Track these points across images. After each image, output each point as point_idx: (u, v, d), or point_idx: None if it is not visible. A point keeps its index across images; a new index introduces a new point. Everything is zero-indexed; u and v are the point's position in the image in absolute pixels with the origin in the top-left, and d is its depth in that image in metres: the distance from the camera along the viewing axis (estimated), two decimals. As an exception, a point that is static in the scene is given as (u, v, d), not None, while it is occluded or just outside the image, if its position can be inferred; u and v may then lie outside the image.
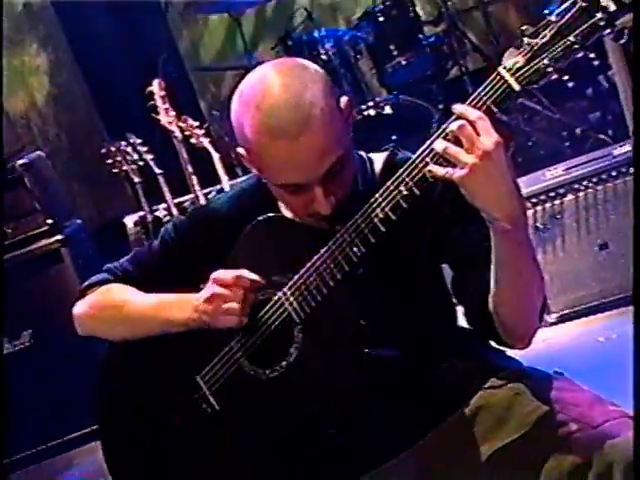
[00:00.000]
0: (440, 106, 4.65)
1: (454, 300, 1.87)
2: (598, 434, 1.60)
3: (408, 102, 4.58)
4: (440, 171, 1.50)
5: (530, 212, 3.60)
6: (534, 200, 3.61)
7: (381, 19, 4.81)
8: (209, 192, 3.99)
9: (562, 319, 3.61)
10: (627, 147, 3.68)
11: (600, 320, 3.59)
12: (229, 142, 4.59)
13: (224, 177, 4.00)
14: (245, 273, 1.73)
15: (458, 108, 1.50)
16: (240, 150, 1.75)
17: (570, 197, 3.60)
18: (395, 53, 4.81)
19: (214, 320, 1.75)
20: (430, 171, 1.53)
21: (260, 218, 1.79)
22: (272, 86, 1.63)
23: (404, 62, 4.80)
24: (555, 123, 4.47)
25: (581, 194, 3.60)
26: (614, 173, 3.58)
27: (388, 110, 4.53)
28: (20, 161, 4.12)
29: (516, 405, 1.73)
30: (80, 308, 1.96)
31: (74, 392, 4.04)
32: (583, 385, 1.77)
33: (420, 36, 4.86)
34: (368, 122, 4.52)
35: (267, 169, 1.70)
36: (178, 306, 1.83)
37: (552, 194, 3.61)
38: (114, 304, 1.93)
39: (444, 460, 1.79)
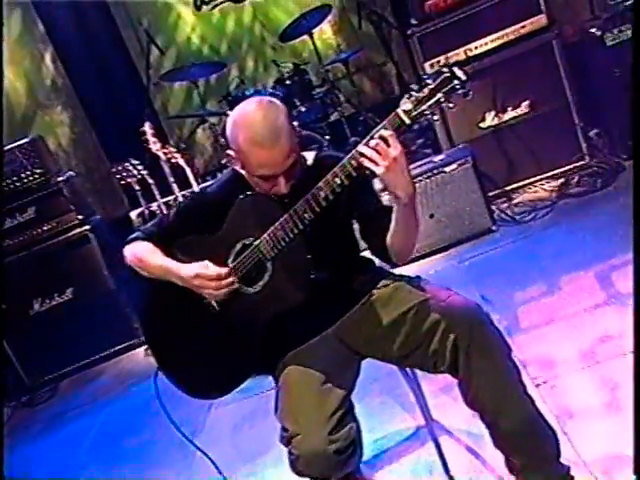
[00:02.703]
0: (327, 137, 4.74)
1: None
2: (444, 304, 1.77)
3: (307, 135, 4.66)
4: (367, 163, 1.59)
5: (386, 197, 3.79)
6: (388, 191, 3.78)
7: (288, 82, 4.91)
8: (184, 193, 3.99)
9: (410, 261, 3.81)
10: (441, 156, 3.87)
11: (430, 261, 3.80)
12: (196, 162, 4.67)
13: (194, 183, 4.04)
14: (212, 273, 1.79)
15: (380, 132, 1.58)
16: (230, 152, 1.79)
17: (409, 188, 3.82)
18: (298, 104, 4.89)
19: (194, 288, 1.83)
20: (357, 165, 1.61)
21: (247, 193, 1.81)
22: (257, 117, 1.70)
23: (303, 109, 4.88)
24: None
25: (417, 184, 3.76)
26: (436, 171, 3.76)
27: (294, 139, 4.68)
28: (60, 178, 4.09)
29: (396, 294, 1.87)
30: (127, 252, 1.97)
31: (102, 326, 4.10)
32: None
33: (312, 93, 4.97)
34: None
35: (250, 166, 1.74)
36: (174, 274, 1.86)
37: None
38: (143, 259, 1.93)
39: (354, 331, 1.89)
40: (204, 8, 5.82)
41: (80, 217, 4.12)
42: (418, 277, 1.95)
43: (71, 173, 4.28)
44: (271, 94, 4.77)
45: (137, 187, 4.04)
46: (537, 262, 3.29)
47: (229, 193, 1.86)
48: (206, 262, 1.82)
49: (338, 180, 1.66)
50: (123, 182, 4.02)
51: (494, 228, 3.82)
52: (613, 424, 2.09)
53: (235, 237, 1.85)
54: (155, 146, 3.94)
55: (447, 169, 3.79)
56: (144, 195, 4.08)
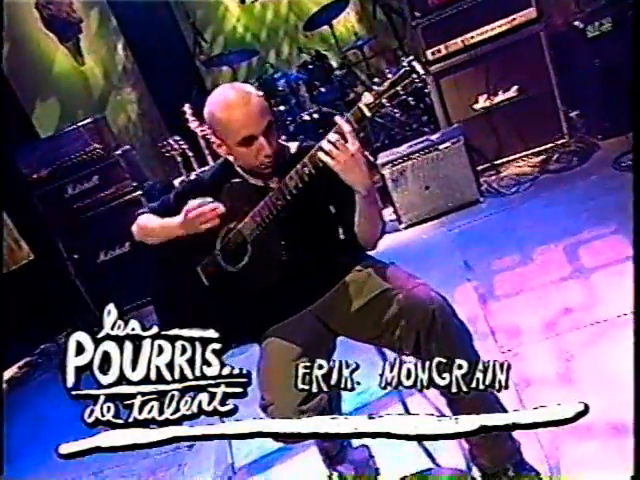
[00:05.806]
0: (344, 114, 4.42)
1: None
2: (409, 293, 1.54)
3: (326, 111, 4.33)
4: (325, 158, 1.41)
5: (388, 170, 3.51)
6: (393, 163, 3.48)
7: (310, 67, 4.58)
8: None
9: (406, 227, 3.55)
10: (437, 135, 3.57)
11: (425, 227, 3.51)
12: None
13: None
14: (195, 203, 1.57)
15: (339, 122, 1.39)
16: (213, 138, 1.59)
17: (409, 162, 3.50)
18: (318, 84, 4.55)
19: (191, 226, 1.60)
20: (321, 159, 1.42)
21: (233, 181, 1.64)
22: (225, 88, 1.56)
23: (323, 90, 4.53)
24: (404, 124, 4.25)
25: (415, 160, 3.49)
26: (432, 148, 3.48)
27: (316, 116, 4.31)
28: (117, 151, 3.89)
29: (369, 280, 1.64)
30: (134, 227, 1.79)
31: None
32: (403, 267, 1.66)
33: (332, 76, 4.61)
34: (306, 123, 4.29)
35: (232, 132, 1.53)
36: (171, 226, 1.64)
37: (400, 160, 3.49)
38: (144, 226, 1.74)
39: (331, 312, 1.68)
40: (247, 1, 5.42)
41: (134, 184, 3.92)
42: (392, 263, 1.70)
43: (127, 147, 4.07)
44: (295, 77, 4.42)
45: (179, 159, 3.81)
46: (515, 233, 2.96)
47: (219, 180, 1.68)
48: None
49: (307, 170, 1.47)
50: (167, 155, 3.80)
51: (481, 199, 3.50)
52: (564, 394, 1.83)
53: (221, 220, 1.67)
54: (193, 124, 3.69)
55: (441, 147, 3.49)
56: (184, 165, 3.84)
